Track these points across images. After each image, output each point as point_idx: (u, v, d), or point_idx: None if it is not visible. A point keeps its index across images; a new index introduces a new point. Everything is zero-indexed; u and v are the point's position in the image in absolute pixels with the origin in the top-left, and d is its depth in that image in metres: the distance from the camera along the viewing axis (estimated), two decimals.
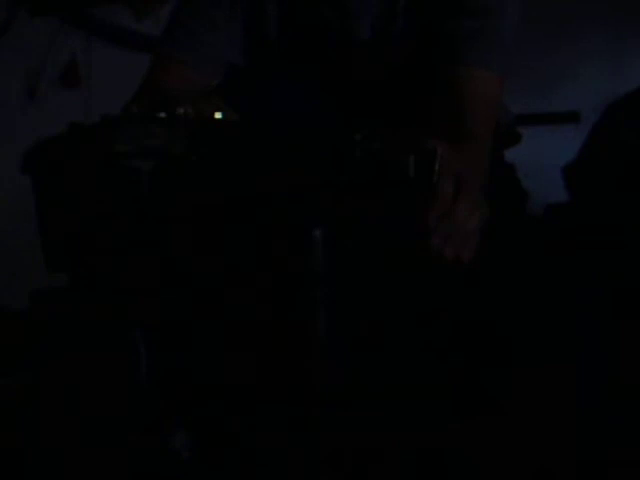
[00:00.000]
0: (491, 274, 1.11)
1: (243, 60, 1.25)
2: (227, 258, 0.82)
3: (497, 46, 1.16)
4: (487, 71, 1.14)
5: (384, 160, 0.88)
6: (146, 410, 0.81)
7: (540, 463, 1.10)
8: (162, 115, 0.81)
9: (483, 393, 1.16)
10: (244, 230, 0.83)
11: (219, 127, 0.86)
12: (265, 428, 0.85)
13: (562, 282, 1.74)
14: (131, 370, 0.83)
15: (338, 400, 0.86)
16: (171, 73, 1.19)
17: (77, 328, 0.86)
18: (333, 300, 0.85)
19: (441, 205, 0.96)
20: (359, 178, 0.87)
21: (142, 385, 0.82)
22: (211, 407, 0.82)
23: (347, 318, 0.87)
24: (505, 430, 1.17)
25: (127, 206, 0.80)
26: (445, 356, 1.05)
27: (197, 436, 0.81)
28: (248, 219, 0.83)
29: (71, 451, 0.85)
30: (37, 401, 0.90)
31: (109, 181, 0.80)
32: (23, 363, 0.99)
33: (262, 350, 0.83)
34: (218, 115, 0.89)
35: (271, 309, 0.83)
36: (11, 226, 1.81)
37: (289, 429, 0.85)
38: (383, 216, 0.91)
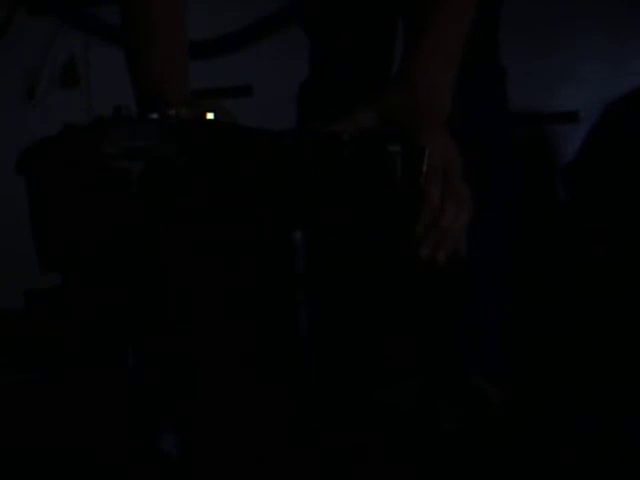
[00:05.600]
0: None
1: None
2: (210, 258, 0.83)
3: None
4: None
5: (371, 161, 0.88)
6: (139, 411, 0.82)
7: (537, 463, 1.11)
8: (153, 116, 0.81)
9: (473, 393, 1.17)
10: (227, 231, 0.83)
11: (210, 128, 0.86)
12: (261, 428, 0.85)
13: (562, 281, 1.74)
14: (127, 373, 0.83)
15: (324, 402, 0.86)
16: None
17: (75, 328, 0.86)
18: (314, 303, 0.85)
19: (429, 213, 0.96)
20: (345, 179, 0.87)
21: (135, 386, 0.82)
22: (199, 407, 0.82)
23: (329, 321, 0.87)
24: (499, 430, 1.17)
25: (118, 207, 0.80)
26: (432, 356, 1.05)
27: (188, 436, 0.81)
28: (231, 220, 0.83)
29: (71, 451, 0.85)
30: (37, 401, 0.90)
31: (100, 182, 0.80)
32: (22, 363, 0.99)
33: (245, 351, 0.84)
34: (210, 116, 0.89)
35: (252, 311, 0.84)
36: (10, 226, 1.81)
37: (285, 429, 0.85)
38: (368, 217, 0.91)
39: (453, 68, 1.03)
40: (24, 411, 0.90)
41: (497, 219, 1.29)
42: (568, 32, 2.14)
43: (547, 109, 2.18)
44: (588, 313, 1.65)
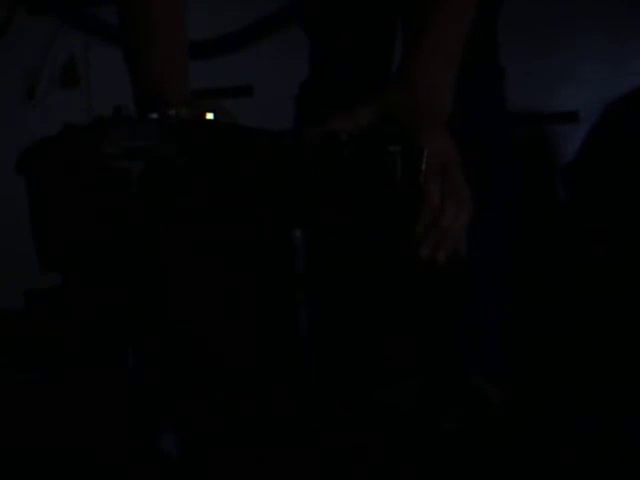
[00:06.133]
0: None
1: None
2: (210, 258, 0.83)
3: None
4: None
5: (371, 161, 0.88)
6: (139, 411, 0.82)
7: (537, 463, 1.11)
8: (153, 116, 0.81)
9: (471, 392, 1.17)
10: (227, 230, 0.83)
11: (210, 128, 0.86)
12: (258, 428, 0.85)
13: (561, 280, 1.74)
14: (128, 372, 0.83)
15: (324, 402, 0.86)
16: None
17: (75, 328, 0.86)
18: (314, 303, 0.85)
19: (429, 213, 0.96)
20: (345, 179, 0.87)
21: (135, 386, 0.82)
22: (199, 407, 0.83)
23: (329, 321, 0.87)
24: (499, 430, 1.17)
25: (118, 208, 0.80)
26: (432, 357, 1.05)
27: (187, 436, 0.81)
28: (231, 220, 0.83)
29: (71, 451, 0.85)
30: (37, 401, 0.90)
31: (100, 182, 0.80)
32: (22, 363, 0.99)
33: (244, 350, 0.84)
34: (210, 116, 0.89)
35: (253, 310, 0.84)
36: (10, 226, 1.82)
37: (282, 429, 0.85)
38: (368, 217, 0.91)
39: (453, 68, 1.03)
40: (24, 411, 0.90)
41: (497, 219, 1.29)
42: (568, 32, 2.14)
43: (547, 109, 2.18)
44: (588, 313, 1.66)
